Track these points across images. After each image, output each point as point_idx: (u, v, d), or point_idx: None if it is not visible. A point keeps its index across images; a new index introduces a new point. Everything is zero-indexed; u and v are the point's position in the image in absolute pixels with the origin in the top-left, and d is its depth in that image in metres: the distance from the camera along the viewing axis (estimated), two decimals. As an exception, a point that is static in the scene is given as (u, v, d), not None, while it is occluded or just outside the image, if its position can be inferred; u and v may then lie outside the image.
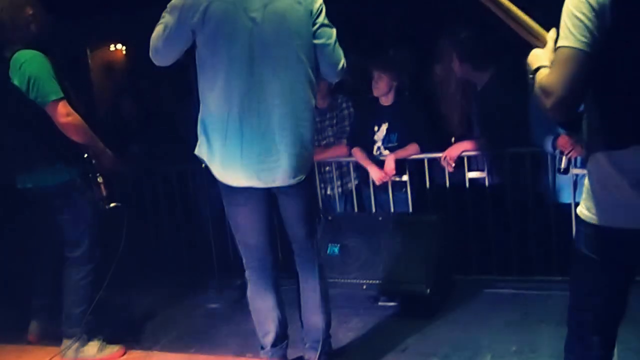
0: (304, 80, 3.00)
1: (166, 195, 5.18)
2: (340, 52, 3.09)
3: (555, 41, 1.98)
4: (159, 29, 2.98)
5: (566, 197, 4.13)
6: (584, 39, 1.87)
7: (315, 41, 3.00)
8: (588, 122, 2.03)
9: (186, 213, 5.18)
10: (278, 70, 2.93)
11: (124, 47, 7.39)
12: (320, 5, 3.02)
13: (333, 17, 3.08)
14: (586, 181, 2.06)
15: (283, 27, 2.93)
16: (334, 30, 3.07)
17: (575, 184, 4.00)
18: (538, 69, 2.01)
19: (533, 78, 2.02)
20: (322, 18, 3.02)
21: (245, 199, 3.07)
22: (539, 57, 2.05)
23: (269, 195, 3.09)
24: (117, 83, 6.34)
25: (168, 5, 2.99)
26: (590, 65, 1.88)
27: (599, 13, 1.86)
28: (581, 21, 1.87)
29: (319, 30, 3.01)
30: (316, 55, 3.03)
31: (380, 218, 4.39)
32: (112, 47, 7.50)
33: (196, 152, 3.10)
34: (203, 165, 3.13)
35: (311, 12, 2.98)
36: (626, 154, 1.93)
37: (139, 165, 5.09)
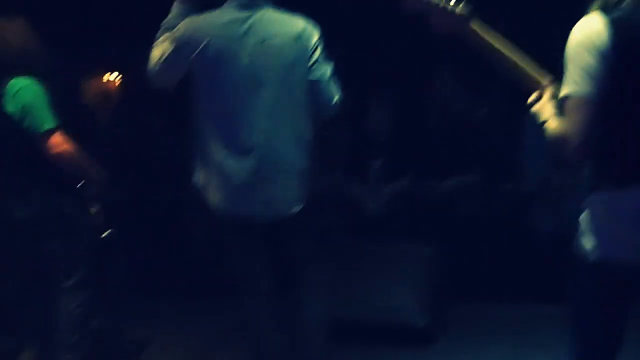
0: (301, 114, 3.04)
1: (161, 221, 5.19)
2: (335, 87, 3.12)
3: (557, 88, 2.02)
4: (156, 53, 3.02)
5: (555, 229, 4.19)
6: (592, 84, 1.90)
7: (312, 76, 3.05)
8: (592, 158, 2.04)
9: (181, 238, 5.19)
10: (275, 104, 2.97)
11: (119, 77, 7.45)
12: (318, 40, 3.06)
13: (330, 53, 3.13)
14: (586, 215, 2.06)
15: (280, 63, 2.97)
16: (330, 66, 3.11)
17: (569, 216, 4.04)
18: (544, 122, 2.05)
19: (544, 130, 2.06)
20: (318, 53, 3.06)
21: (242, 228, 3.07)
22: (541, 112, 2.08)
23: (266, 224, 3.08)
24: (113, 111, 6.39)
25: (164, 24, 3.05)
26: (598, 108, 1.91)
27: (600, 57, 1.89)
28: (588, 66, 1.90)
29: (315, 66, 3.05)
30: (312, 90, 3.06)
31: (374, 248, 4.42)
32: (108, 77, 7.56)
33: (194, 179, 3.12)
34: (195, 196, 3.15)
35: (308, 47, 3.03)
36: (629, 192, 1.96)
37: (134, 192, 5.11)
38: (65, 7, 6.03)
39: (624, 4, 1.93)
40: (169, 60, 2.99)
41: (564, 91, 1.96)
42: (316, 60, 3.04)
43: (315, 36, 3.05)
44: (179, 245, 5.21)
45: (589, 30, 1.92)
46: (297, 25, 3.03)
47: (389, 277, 4.16)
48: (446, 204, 4.66)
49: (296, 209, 3.07)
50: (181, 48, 2.97)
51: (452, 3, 2.14)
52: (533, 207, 4.46)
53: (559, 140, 1.97)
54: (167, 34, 3.05)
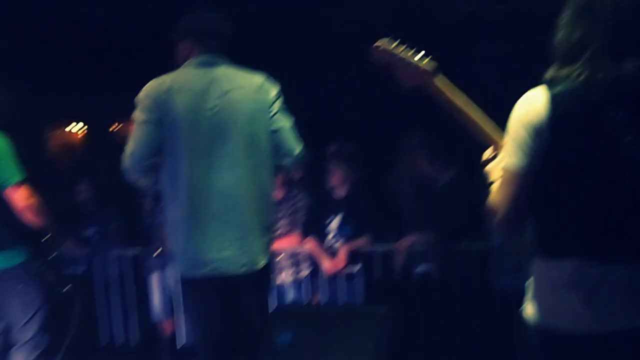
0: (264, 166, 3.11)
1: (119, 278, 5.16)
2: (297, 139, 3.21)
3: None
4: (128, 143, 3.05)
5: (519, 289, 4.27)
6: (522, 161, 1.95)
7: (273, 127, 3.13)
8: (531, 228, 2.10)
9: (138, 297, 5.16)
10: (239, 157, 3.04)
11: (82, 128, 7.45)
12: (277, 93, 3.17)
13: (291, 109, 3.22)
14: (530, 282, 2.13)
15: (242, 116, 3.05)
16: (290, 119, 3.21)
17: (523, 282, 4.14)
18: (491, 182, 2.13)
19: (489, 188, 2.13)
20: (279, 105, 3.16)
21: (206, 288, 3.08)
22: (491, 172, 2.16)
23: (229, 284, 3.11)
24: (74, 165, 6.38)
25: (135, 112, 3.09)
26: (531, 183, 1.97)
27: (537, 134, 1.94)
28: (519, 143, 1.96)
29: (275, 117, 3.14)
30: (274, 143, 3.14)
31: (330, 309, 4.45)
32: (70, 128, 7.56)
33: (163, 234, 3.15)
34: (156, 252, 3.15)
35: (268, 99, 3.13)
36: (559, 264, 2.01)
37: (94, 248, 5.09)
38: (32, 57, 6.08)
39: (570, 79, 1.96)
40: (143, 129, 3.02)
41: (502, 163, 2.03)
42: (277, 111, 3.14)
43: (274, 89, 3.16)
44: (135, 303, 5.18)
45: (530, 106, 1.96)
46: (257, 79, 3.15)
47: (343, 338, 4.18)
48: (404, 263, 4.73)
49: (262, 263, 3.12)
50: (149, 108, 3.02)
51: (417, 57, 2.23)
52: (492, 267, 4.55)
53: (490, 209, 2.04)
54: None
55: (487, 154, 2.22)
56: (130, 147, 3.03)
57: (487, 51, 5.53)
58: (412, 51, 2.24)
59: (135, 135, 3.04)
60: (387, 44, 2.26)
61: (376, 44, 2.27)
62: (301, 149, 3.22)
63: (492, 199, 2.05)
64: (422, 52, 2.24)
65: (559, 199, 2.00)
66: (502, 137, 2.17)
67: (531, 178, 1.97)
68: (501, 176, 2.03)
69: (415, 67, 2.21)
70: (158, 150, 3.02)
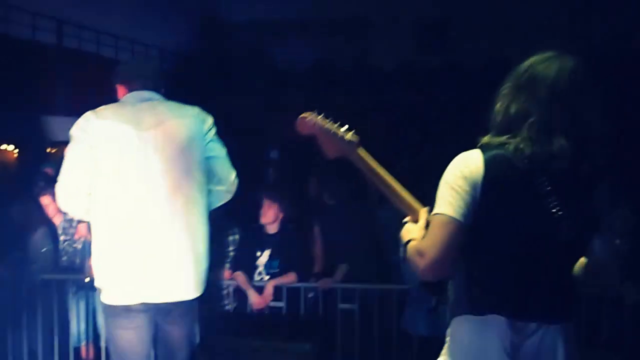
0: (198, 196, 3.15)
1: (43, 303, 5.09)
2: (232, 168, 3.27)
3: (429, 212, 2.16)
4: (63, 168, 3.08)
5: (427, 332, 4.46)
6: (458, 209, 2.02)
7: (207, 154, 3.19)
8: (454, 284, 2.20)
9: (62, 324, 5.10)
10: (172, 186, 3.07)
11: (15, 150, 7.36)
12: (211, 124, 3.23)
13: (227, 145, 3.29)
14: (447, 338, 2.22)
15: (175, 145, 3.10)
16: (224, 149, 3.27)
17: (436, 320, 4.30)
18: (409, 241, 2.20)
19: (405, 250, 2.21)
20: (212, 135, 3.23)
21: (130, 319, 3.10)
22: (410, 232, 2.24)
23: (153, 317, 3.14)
24: (5, 187, 6.28)
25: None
26: (462, 233, 2.06)
27: (471, 187, 2.03)
28: (457, 192, 2.03)
29: (209, 145, 3.20)
30: (208, 170, 3.20)
31: (254, 343, 4.51)
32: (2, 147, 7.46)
33: (91, 262, 3.16)
34: (87, 279, 3.15)
35: (203, 128, 3.19)
36: (483, 321, 2.12)
37: (20, 271, 5.03)
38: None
39: (506, 146, 2.08)
40: (75, 159, 3.06)
41: (434, 211, 2.11)
42: (212, 140, 3.21)
43: (209, 119, 3.23)
44: (59, 330, 5.11)
45: (468, 162, 2.07)
46: (191, 110, 3.21)
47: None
48: (328, 300, 4.85)
49: (191, 294, 3.14)
50: (81, 137, 3.05)
51: (342, 129, 2.32)
52: (408, 309, 4.71)
53: (418, 252, 2.11)
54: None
55: (407, 219, 2.32)
56: (63, 177, 3.06)
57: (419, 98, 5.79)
58: (337, 124, 2.33)
59: (67, 165, 3.07)
60: (313, 116, 2.32)
61: (302, 115, 2.33)
62: (235, 175, 3.28)
63: (420, 244, 2.12)
64: (347, 126, 2.33)
65: (486, 257, 2.11)
66: (419, 205, 2.30)
67: (461, 228, 2.05)
68: (435, 222, 2.10)
69: (340, 138, 2.30)
70: (90, 179, 3.05)
